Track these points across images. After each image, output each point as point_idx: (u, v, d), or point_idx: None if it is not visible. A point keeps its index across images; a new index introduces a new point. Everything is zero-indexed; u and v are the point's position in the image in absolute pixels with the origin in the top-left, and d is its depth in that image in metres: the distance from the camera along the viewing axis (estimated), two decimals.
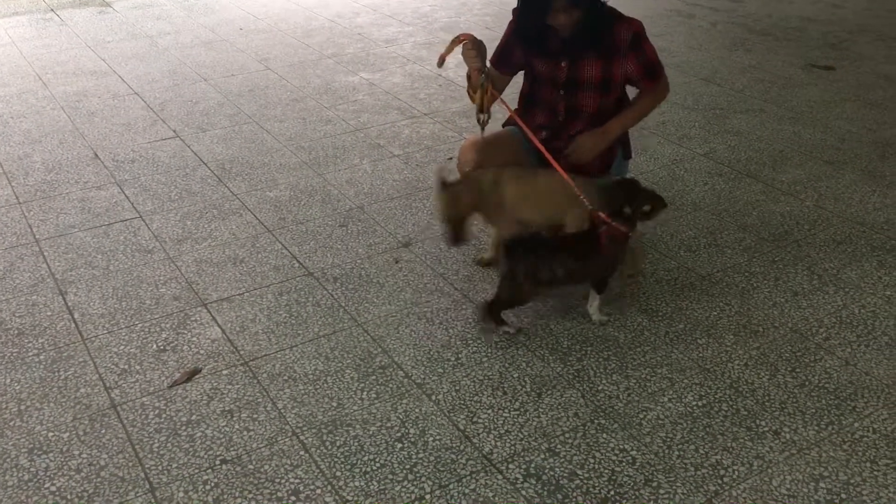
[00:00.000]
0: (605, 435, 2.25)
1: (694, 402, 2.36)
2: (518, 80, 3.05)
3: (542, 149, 2.75)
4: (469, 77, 2.84)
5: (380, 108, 4.53)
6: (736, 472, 2.12)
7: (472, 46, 2.75)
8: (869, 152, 3.90)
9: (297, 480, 2.12)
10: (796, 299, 2.82)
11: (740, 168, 3.76)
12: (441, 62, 2.79)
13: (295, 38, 5.77)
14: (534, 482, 2.10)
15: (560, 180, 2.66)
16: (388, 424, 2.30)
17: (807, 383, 2.43)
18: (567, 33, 2.75)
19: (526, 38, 2.86)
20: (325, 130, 4.24)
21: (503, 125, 3.17)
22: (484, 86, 2.78)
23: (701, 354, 2.56)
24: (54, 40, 5.75)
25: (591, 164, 2.96)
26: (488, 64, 2.86)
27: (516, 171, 2.83)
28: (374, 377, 2.49)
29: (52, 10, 6.50)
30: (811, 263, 3.02)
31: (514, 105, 3.02)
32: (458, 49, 2.77)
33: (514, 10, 2.88)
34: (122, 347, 2.63)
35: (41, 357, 2.59)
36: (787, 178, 3.65)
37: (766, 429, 2.26)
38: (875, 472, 2.12)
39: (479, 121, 2.85)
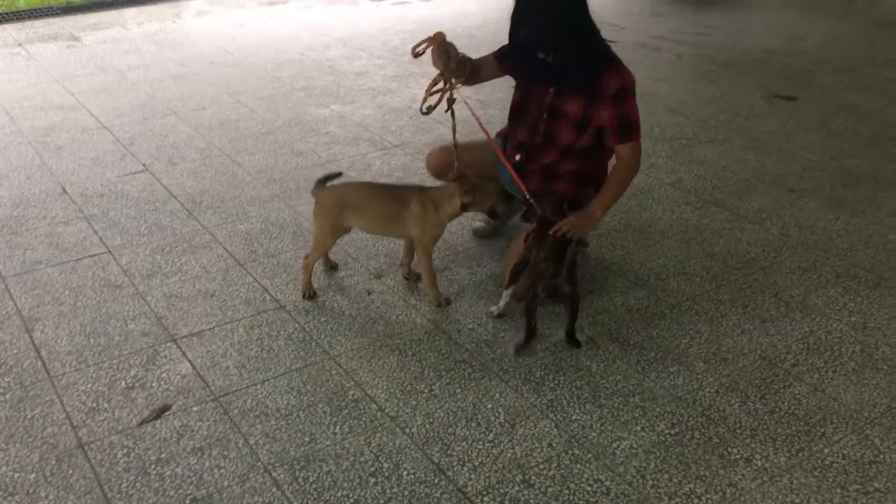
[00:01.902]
0: (579, 465, 2.25)
1: (666, 431, 2.37)
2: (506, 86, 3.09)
3: (509, 166, 2.82)
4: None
5: (351, 140, 4.55)
6: (709, 501, 2.13)
7: (440, 49, 2.81)
8: (831, 180, 3.98)
9: None
10: (764, 326, 2.86)
11: (707, 197, 3.82)
12: (414, 55, 2.84)
13: (266, 72, 5.79)
14: None
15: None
16: (362, 459, 2.28)
17: (777, 410, 2.45)
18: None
19: (518, 60, 2.92)
20: (296, 163, 4.25)
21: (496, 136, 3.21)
22: (444, 88, 2.87)
23: (672, 382, 2.58)
24: (22, 75, 5.70)
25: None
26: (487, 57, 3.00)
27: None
28: (346, 411, 2.47)
29: (19, 44, 6.46)
30: (778, 290, 3.07)
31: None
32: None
33: None
34: (89, 385, 2.59)
35: (7, 396, 2.54)
36: (753, 207, 3.72)
37: (737, 456, 2.28)
38: (846, 498, 2.14)
39: (423, 112, 2.88)
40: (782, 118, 4.82)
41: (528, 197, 2.79)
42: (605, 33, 2.83)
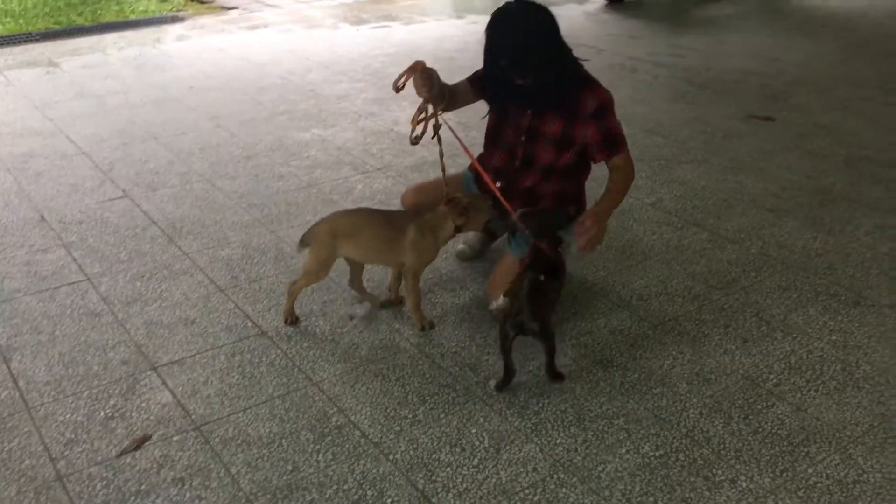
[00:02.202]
0: (564, 490, 2.24)
1: (651, 453, 2.37)
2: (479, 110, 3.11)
3: (497, 192, 2.85)
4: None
5: (332, 163, 4.55)
6: None
7: (423, 76, 2.82)
8: (809, 200, 4.02)
9: None
10: (746, 346, 2.87)
11: (687, 217, 3.84)
12: (396, 89, 2.85)
13: (247, 96, 5.79)
14: None
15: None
16: (345, 487, 2.26)
17: (760, 430, 2.46)
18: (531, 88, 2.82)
19: (494, 87, 2.94)
20: (277, 187, 4.24)
21: (469, 169, 3.21)
22: (427, 115, 2.87)
23: (656, 404, 2.58)
24: (0, 101, 5.67)
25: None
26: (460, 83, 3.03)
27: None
28: (330, 438, 2.45)
29: None
30: (759, 310, 3.08)
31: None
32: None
33: None
34: (68, 416, 2.55)
35: None
36: (732, 226, 3.74)
37: (722, 478, 2.27)
38: None
39: (412, 142, 2.89)
40: (760, 138, 4.88)
41: (514, 219, 2.80)
42: (582, 54, 2.88)
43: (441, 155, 2.92)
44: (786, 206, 3.96)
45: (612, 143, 2.89)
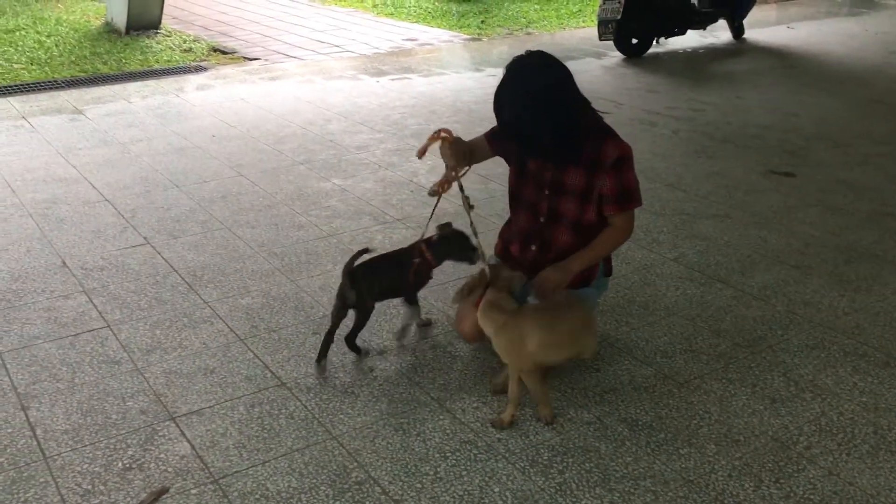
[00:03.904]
0: None
1: None
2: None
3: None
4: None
5: (352, 213, 4.56)
6: None
7: (449, 144, 2.87)
8: (834, 257, 3.98)
9: None
10: (775, 406, 2.81)
11: (710, 273, 3.81)
12: (420, 154, 2.92)
13: (267, 145, 5.84)
14: None
15: (577, 316, 2.73)
16: None
17: (792, 495, 2.39)
18: None
19: (510, 141, 2.93)
20: (297, 236, 4.24)
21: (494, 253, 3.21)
22: (451, 178, 2.93)
23: (684, 465, 2.52)
24: (25, 147, 5.74)
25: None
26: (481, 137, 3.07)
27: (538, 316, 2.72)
28: (349, 494, 2.40)
29: (23, 117, 6.52)
30: (786, 369, 3.03)
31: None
32: (437, 143, 2.90)
33: None
34: (85, 466, 2.51)
35: (0, 477, 2.47)
36: (757, 283, 3.70)
37: None
38: None
39: (431, 194, 2.98)
40: (781, 194, 4.86)
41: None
42: (602, 108, 2.90)
43: (474, 232, 2.93)
44: (810, 262, 3.92)
45: (626, 198, 2.86)
